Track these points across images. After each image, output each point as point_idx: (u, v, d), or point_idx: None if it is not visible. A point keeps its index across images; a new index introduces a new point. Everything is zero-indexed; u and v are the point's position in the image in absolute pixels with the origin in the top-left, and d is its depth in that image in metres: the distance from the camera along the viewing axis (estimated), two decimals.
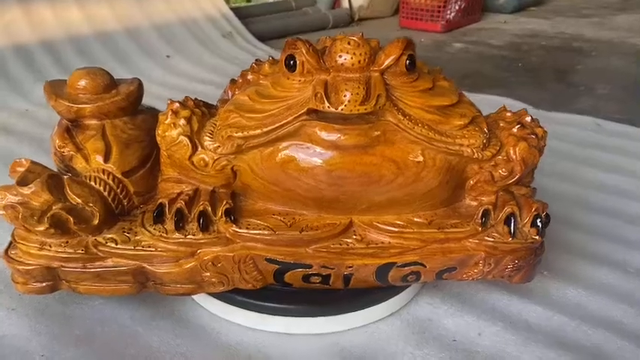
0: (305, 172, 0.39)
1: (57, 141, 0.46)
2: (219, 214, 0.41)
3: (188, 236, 0.41)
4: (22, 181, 0.41)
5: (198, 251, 0.42)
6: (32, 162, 0.43)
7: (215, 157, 0.41)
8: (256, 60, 0.47)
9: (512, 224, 0.42)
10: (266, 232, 0.41)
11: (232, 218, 0.41)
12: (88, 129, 0.45)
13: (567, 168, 0.75)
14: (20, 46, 1.07)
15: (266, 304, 0.45)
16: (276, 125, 0.38)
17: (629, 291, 0.52)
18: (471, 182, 0.43)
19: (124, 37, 1.21)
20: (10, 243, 0.43)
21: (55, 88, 0.46)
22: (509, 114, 0.44)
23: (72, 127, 0.46)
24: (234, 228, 0.41)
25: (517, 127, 0.43)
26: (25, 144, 0.79)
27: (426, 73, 0.42)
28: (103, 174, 0.43)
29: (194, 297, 0.48)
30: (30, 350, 0.43)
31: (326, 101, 0.37)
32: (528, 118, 0.44)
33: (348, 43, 0.37)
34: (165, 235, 0.41)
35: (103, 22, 1.22)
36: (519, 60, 1.43)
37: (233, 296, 0.45)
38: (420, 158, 0.39)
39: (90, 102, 0.45)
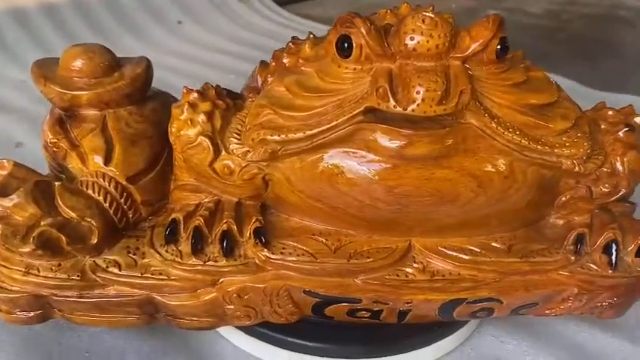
0: (358, 187, 0.31)
1: (48, 134, 0.37)
2: (247, 234, 0.33)
3: (208, 262, 0.33)
4: (3, 190, 0.33)
5: (221, 280, 0.33)
6: (15, 164, 0.35)
7: (243, 164, 0.33)
8: (293, 38, 0.38)
9: (614, 253, 0.33)
10: (306, 260, 0.33)
11: (263, 240, 0.33)
12: (85, 121, 0.37)
13: None
14: (17, 9, 0.98)
15: (302, 342, 0.37)
16: (324, 127, 0.30)
17: None
18: (563, 199, 0.34)
19: (131, 0, 1.11)
20: None
21: (45, 70, 0.37)
22: (611, 112, 0.35)
23: (66, 118, 0.37)
24: (266, 253, 0.33)
25: (624, 130, 0.33)
26: (25, 123, 0.69)
27: (517, 61, 0.32)
28: (104, 179, 0.35)
29: None
30: None
31: (391, 98, 0.28)
32: (638, 119, 0.35)
33: (423, 21, 0.28)
34: (179, 259, 0.33)
35: None
36: (560, 30, 1.31)
37: (262, 330, 0.37)
38: (508, 173, 0.30)
39: (87, 88, 0.36)
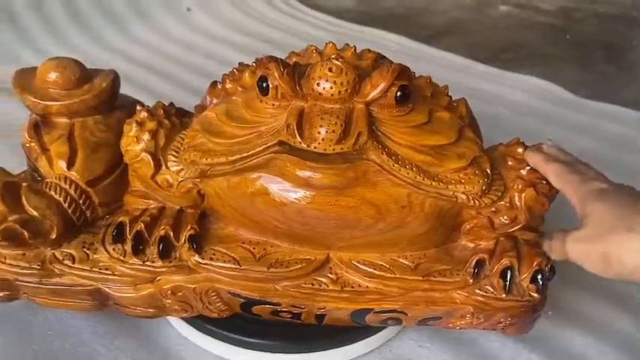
0: (274, 207, 0.35)
1: (25, 136, 0.42)
2: (183, 239, 0.38)
3: (147, 262, 0.38)
4: None
5: (158, 278, 0.38)
6: None
7: (179, 179, 0.37)
8: (240, 64, 0.42)
9: (509, 279, 0.37)
10: (230, 266, 0.37)
11: (195, 246, 0.37)
12: (55, 128, 0.42)
13: None
14: None
15: (236, 336, 0.42)
16: (244, 155, 0.34)
17: None
18: (467, 226, 0.38)
19: None
20: None
21: (23, 79, 0.42)
22: (520, 149, 0.38)
23: (41, 124, 0.42)
24: (197, 258, 0.37)
25: (527, 168, 0.37)
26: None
27: (427, 100, 0.36)
28: (65, 182, 0.40)
29: None
30: None
31: (297, 136, 0.32)
32: None
33: (330, 70, 0.32)
34: (123, 257, 0.38)
35: None
36: (567, 30, 1.30)
37: (202, 323, 0.42)
38: (405, 203, 0.34)
39: (58, 99, 0.41)
